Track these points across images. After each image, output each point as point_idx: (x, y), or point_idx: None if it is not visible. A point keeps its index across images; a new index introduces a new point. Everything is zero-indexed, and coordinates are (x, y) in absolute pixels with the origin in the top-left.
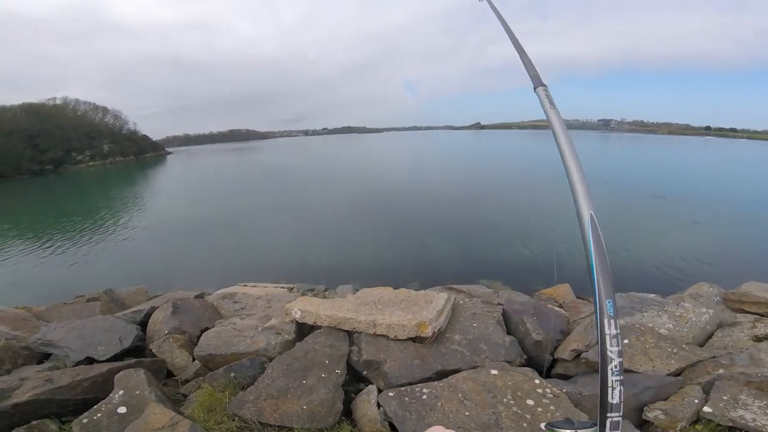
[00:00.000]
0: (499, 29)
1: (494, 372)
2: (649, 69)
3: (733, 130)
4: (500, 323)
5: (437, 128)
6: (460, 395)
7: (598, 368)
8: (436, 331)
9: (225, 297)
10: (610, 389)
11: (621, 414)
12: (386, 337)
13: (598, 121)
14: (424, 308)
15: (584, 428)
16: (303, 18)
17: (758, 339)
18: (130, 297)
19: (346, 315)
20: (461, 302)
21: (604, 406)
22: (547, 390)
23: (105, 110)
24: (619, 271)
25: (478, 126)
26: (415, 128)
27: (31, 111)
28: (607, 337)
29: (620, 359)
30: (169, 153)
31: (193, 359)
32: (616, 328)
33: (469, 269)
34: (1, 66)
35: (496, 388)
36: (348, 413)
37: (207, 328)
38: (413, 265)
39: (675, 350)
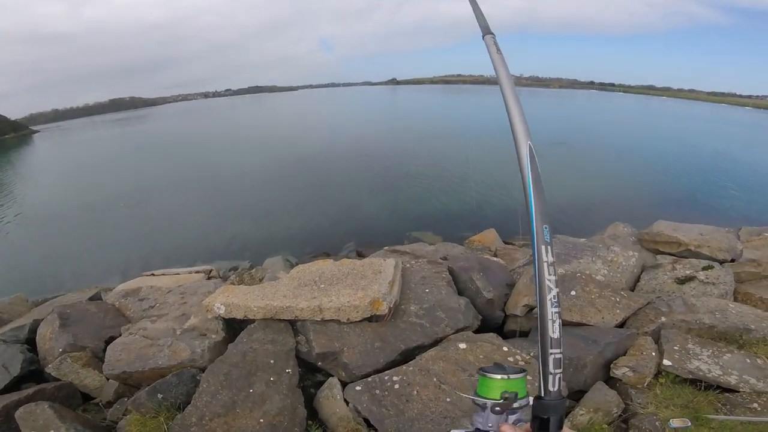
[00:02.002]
0: None
1: (462, 346)
2: (544, 31)
3: (612, 84)
4: (451, 284)
5: (355, 84)
6: (435, 379)
7: (536, 299)
8: (391, 306)
9: (127, 294)
10: (550, 322)
11: (562, 350)
12: (337, 321)
13: None
14: (373, 281)
15: (515, 373)
16: None
17: (681, 281)
18: (5, 309)
19: (284, 303)
20: (408, 265)
21: (545, 342)
22: (518, 357)
23: None
24: None
25: (394, 82)
26: (333, 85)
27: None
28: (545, 265)
29: (557, 289)
30: (36, 132)
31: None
32: (552, 255)
33: (399, 224)
34: None
35: (469, 364)
36: (312, 414)
37: (112, 338)
38: (345, 227)
39: (617, 299)
